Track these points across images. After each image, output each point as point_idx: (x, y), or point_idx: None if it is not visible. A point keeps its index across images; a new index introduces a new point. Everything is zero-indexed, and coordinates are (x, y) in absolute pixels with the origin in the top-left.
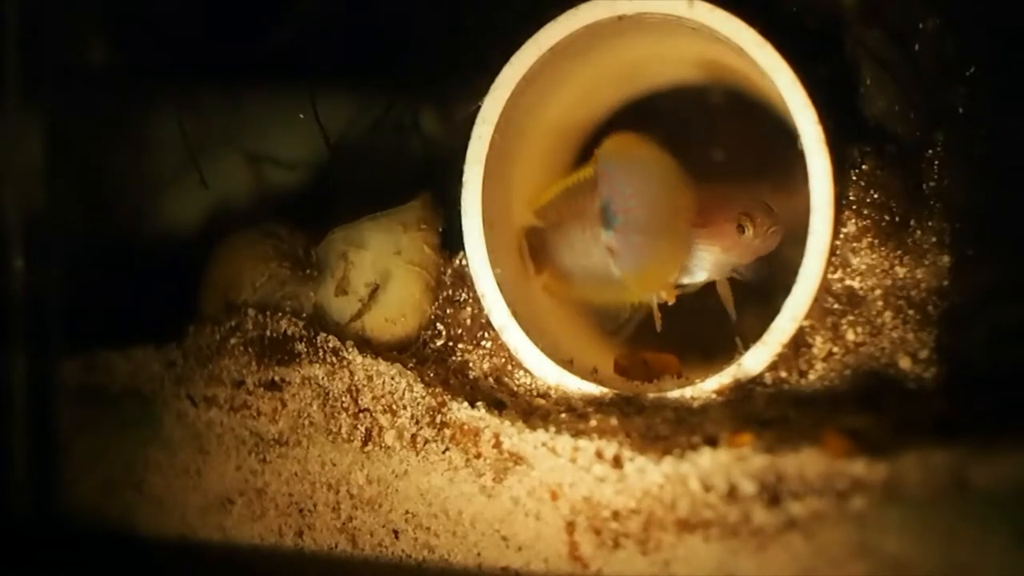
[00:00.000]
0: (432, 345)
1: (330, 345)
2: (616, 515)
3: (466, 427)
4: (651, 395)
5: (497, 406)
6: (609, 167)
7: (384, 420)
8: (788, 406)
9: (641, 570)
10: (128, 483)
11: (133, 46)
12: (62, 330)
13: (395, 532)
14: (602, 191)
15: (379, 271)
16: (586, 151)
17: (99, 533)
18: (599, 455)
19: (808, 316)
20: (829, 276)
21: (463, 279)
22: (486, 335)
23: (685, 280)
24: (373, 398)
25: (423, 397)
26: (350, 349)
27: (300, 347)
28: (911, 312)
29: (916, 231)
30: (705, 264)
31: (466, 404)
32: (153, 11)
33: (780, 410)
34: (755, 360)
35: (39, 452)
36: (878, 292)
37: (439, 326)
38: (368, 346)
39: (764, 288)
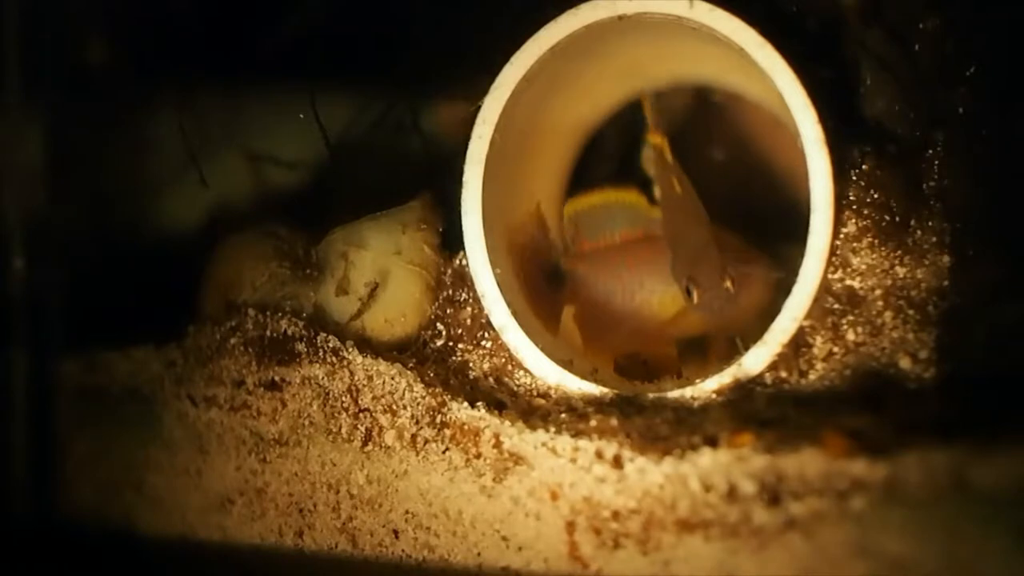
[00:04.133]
0: (432, 345)
1: (330, 345)
2: (616, 515)
3: (466, 427)
4: (651, 395)
5: (497, 406)
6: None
7: (384, 420)
8: (788, 406)
9: (641, 570)
10: (128, 483)
11: (133, 46)
12: (62, 330)
13: (395, 532)
14: None
15: (379, 271)
16: (586, 151)
17: (99, 533)
18: (599, 455)
19: (808, 316)
20: (829, 276)
21: (463, 279)
22: (486, 335)
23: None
24: (373, 398)
25: (423, 397)
26: (350, 349)
27: (300, 347)
28: (911, 312)
29: (916, 231)
30: None
31: (466, 404)
32: (153, 11)
33: (780, 410)
34: (755, 360)
35: (39, 452)
36: (878, 292)
37: (439, 326)
38: (368, 346)
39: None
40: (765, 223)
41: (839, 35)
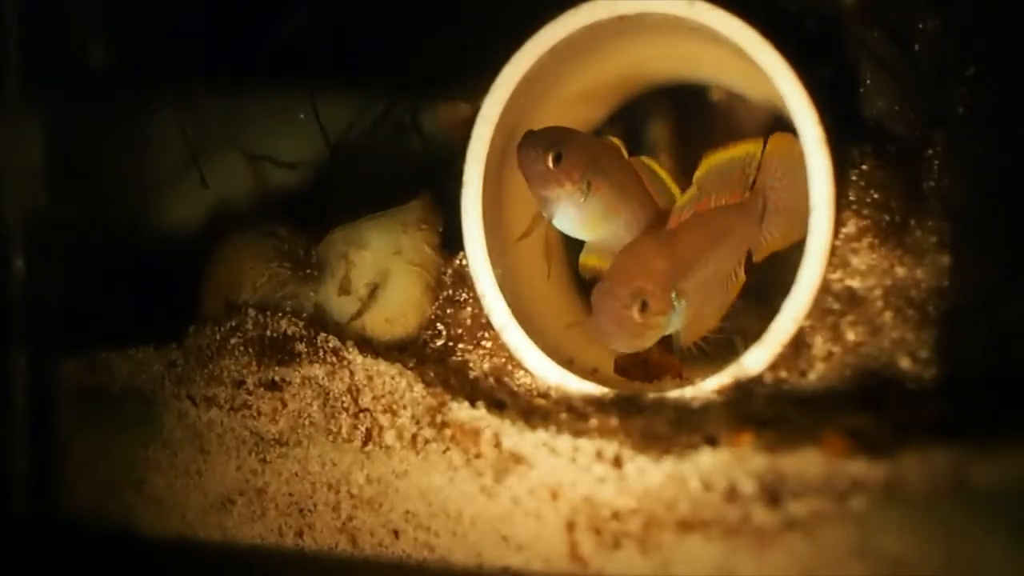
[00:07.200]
0: (432, 345)
1: (330, 345)
2: (616, 515)
3: (466, 427)
4: (651, 395)
5: (497, 406)
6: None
7: (384, 420)
8: (788, 406)
9: (641, 570)
10: (128, 483)
11: (133, 46)
12: (62, 330)
13: (395, 532)
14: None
15: (379, 271)
16: None
17: (99, 533)
18: (599, 455)
19: (808, 316)
20: (829, 276)
21: (463, 279)
22: (486, 335)
23: None
24: (373, 398)
25: (423, 397)
26: (350, 349)
27: (300, 347)
28: (911, 312)
29: (916, 231)
30: None
31: (466, 404)
32: (153, 11)
33: (780, 410)
34: (755, 360)
35: (39, 452)
36: (878, 292)
37: (439, 326)
38: (368, 346)
39: (764, 288)
40: None
41: (839, 35)
